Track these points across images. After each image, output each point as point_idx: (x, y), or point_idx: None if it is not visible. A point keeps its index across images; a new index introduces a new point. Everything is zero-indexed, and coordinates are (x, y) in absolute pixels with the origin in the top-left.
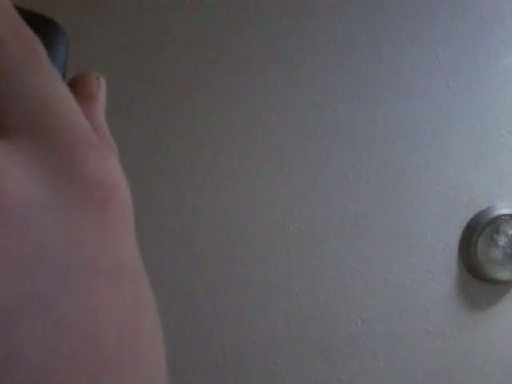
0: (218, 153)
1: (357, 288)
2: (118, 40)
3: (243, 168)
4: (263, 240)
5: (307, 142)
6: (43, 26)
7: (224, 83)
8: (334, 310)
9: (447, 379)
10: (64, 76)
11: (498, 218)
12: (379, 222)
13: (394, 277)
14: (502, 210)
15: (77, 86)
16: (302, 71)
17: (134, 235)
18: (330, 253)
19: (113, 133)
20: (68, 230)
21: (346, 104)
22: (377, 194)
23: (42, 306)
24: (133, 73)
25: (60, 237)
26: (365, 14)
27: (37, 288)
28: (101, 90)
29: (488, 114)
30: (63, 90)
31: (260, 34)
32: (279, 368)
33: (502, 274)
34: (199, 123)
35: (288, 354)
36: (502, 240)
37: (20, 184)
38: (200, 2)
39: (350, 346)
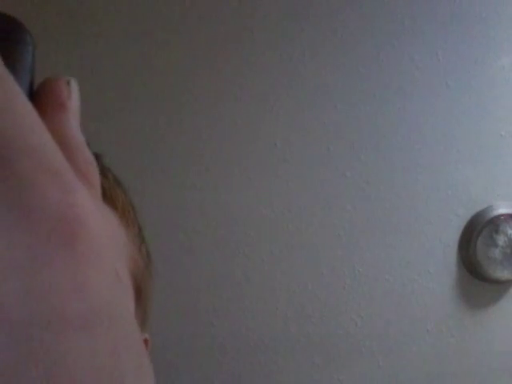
0: (217, 151)
1: (356, 287)
2: (117, 39)
3: (241, 166)
4: (262, 239)
5: (306, 141)
6: (3, 27)
7: (223, 82)
8: (333, 310)
9: (446, 379)
10: (32, 82)
11: (498, 217)
12: (378, 222)
13: (393, 276)
14: (502, 209)
15: (44, 93)
16: (302, 71)
17: (111, 270)
18: (328, 252)
19: (112, 134)
20: (27, 279)
21: (344, 103)
22: (375, 194)
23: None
24: (132, 72)
25: (18, 288)
26: (364, 13)
27: None
28: (72, 97)
29: (487, 113)
30: (22, 106)
31: (260, 33)
32: (279, 367)
33: (502, 273)
34: (198, 123)
35: (287, 353)
36: (501, 240)
37: None
38: (199, 1)
39: (350, 346)
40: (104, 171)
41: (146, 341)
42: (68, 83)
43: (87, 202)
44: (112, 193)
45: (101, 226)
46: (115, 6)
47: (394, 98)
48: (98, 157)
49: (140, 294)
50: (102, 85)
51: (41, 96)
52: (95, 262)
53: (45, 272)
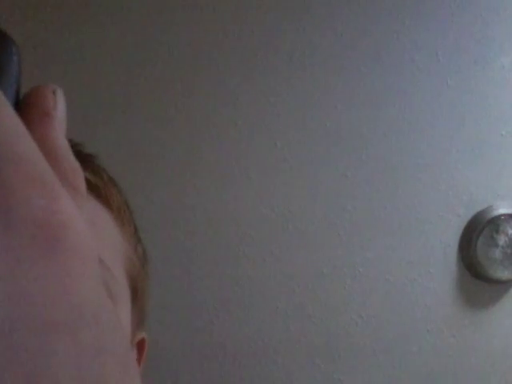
0: (217, 151)
1: (356, 287)
2: (117, 39)
3: (241, 166)
4: (262, 239)
5: (306, 141)
6: None
7: (223, 82)
8: (333, 310)
9: (447, 379)
10: (18, 92)
11: (498, 217)
12: (379, 222)
13: (394, 276)
14: (502, 209)
15: (30, 103)
16: (302, 70)
17: (95, 274)
18: (329, 252)
19: (111, 133)
20: (11, 284)
21: (345, 103)
22: (376, 194)
23: None
24: (132, 73)
25: (1, 293)
26: (364, 12)
27: None
28: (58, 106)
29: (488, 113)
30: (7, 115)
31: (260, 33)
32: (279, 367)
33: (502, 273)
34: (198, 123)
35: (288, 353)
36: (501, 240)
37: None
38: (198, 0)
39: (350, 346)
40: (99, 171)
41: (143, 340)
42: (54, 92)
43: (71, 209)
44: (107, 192)
45: (85, 231)
46: (114, 8)
47: (395, 98)
48: (92, 157)
49: (136, 293)
50: (100, 85)
51: (26, 106)
52: (79, 267)
53: (29, 277)
